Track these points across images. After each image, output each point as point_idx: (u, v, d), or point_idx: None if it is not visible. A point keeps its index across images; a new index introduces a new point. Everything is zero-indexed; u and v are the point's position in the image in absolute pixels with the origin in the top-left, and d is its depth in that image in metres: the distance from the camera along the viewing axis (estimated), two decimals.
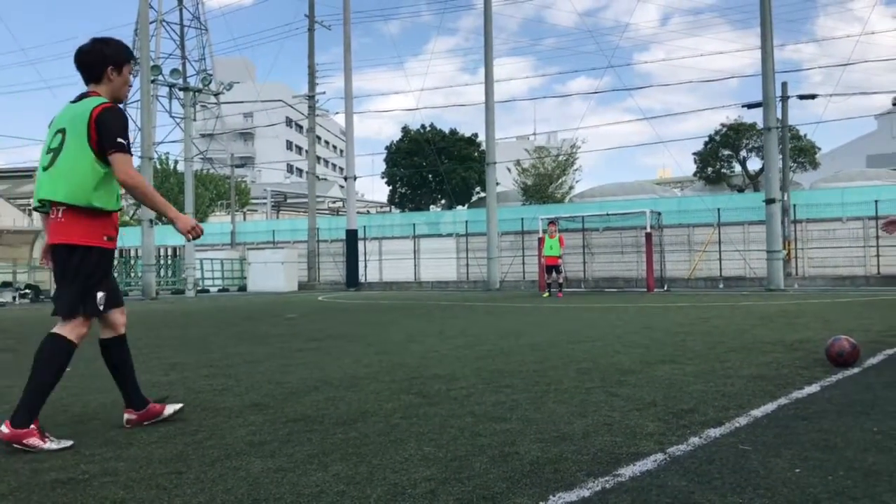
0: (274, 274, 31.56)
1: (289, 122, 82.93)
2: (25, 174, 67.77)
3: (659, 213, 26.15)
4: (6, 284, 25.27)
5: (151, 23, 39.30)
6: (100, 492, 2.63)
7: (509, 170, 43.47)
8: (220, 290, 32.59)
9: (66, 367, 3.50)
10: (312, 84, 34.94)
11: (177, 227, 3.66)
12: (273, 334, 9.26)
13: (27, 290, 23.98)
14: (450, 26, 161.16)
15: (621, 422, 3.57)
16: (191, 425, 3.72)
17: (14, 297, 23.12)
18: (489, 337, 8.13)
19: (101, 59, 3.63)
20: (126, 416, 3.77)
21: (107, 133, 3.43)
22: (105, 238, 3.54)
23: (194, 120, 30.97)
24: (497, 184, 29.27)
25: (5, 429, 3.26)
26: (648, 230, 23.83)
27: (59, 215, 3.47)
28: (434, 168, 35.99)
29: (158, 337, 9.25)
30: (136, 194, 3.52)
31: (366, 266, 32.44)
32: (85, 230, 3.47)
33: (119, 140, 3.44)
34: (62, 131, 3.52)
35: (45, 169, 3.55)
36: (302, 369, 5.77)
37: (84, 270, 3.48)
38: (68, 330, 3.49)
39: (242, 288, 33.41)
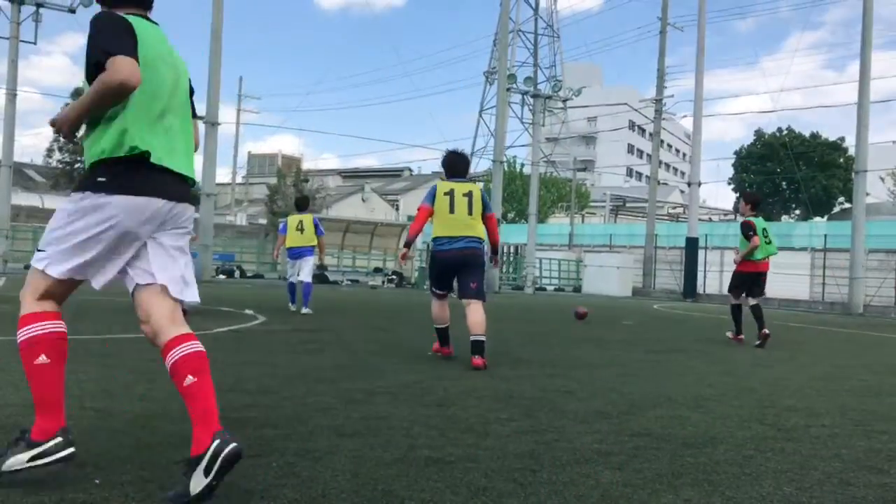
0: (609, 277, 31.67)
1: (632, 125, 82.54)
2: (395, 173, 76.82)
3: None
4: (377, 270, 28.98)
5: (509, 33, 41.82)
6: (465, 476, 2.88)
7: (882, 179, 38.24)
8: (555, 290, 33.64)
9: None
10: (661, 87, 34.28)
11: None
12: (610, 340, 9.30)
13: (393, 276, 27.16)
14: (815, 20, 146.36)
15: None
16: (540, 424, 3.89)
17: (383, 282, 26.37)
18: (854, 370, 7.24)
19: None
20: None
21: None
22: None
23: (542, 125, 32.29)
24: (867, 194, 25.92)
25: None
26: None
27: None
28: (790, 174, 33.08)
29: (503, 330, 9.85)
30: None
31: (705, 276, 31.00)
32: None
33: None
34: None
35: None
36: (643, 382, 5.71)
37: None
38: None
39: (577, 289, 34.09)
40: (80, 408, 3.69)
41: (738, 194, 37.41)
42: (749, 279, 9.47)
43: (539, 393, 4.88)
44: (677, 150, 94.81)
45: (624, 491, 2.78)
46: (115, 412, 3.66)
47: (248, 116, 57.79)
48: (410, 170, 78.89)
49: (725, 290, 10.83)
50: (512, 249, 39.46)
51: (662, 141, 43.53)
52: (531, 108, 31.96)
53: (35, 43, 22.49)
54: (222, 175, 45.55)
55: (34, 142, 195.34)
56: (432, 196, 6.34)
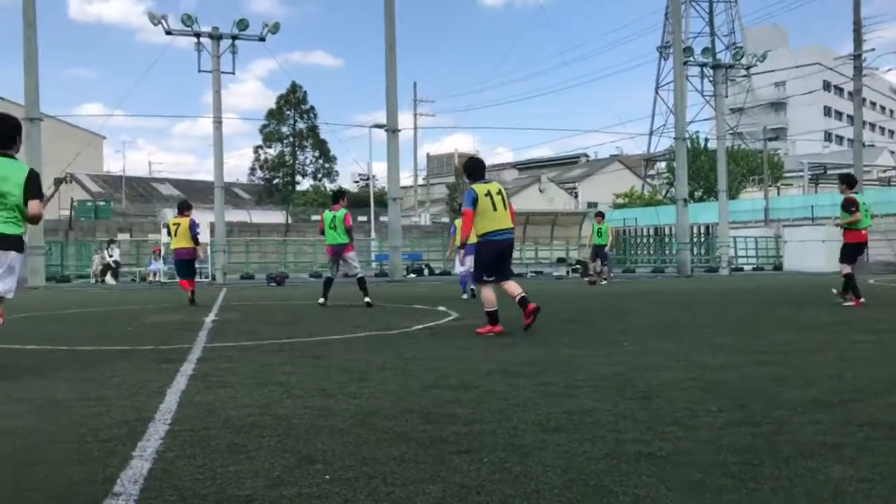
0: (813, 253, 29.30)
1: (826, 86, 75.74)
2: (571, 161, 75.92)
3: None
4: (560, 260, 28.81)
5: (681, 4, 39.90)
6: (678, 471, 2.79)
7: None
8: (754, 269, 31.70)
9: None
10: (858, 41, 31.19)
11: None
12: (823, 321, 8.61)
13: (577, 266, 26.87)
14: None
15: None
16: (754, 415, 3.69)
17: (567, 272, 26.17)
18: None
19: None
20: None
21: None
22: None
23: (725, 97, 30.52)
24: None
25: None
26: None
27: None
28: None
29: (698, 315, 9.44)
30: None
31: None
32: None
33: None
34: None
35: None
36: (866, 366, 5.24)
37: None
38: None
39: (778, 267, 31.89)
40: (303, 407, 4.00)
41: None
42: (857, 249, 10.96)
43: (748, 382, 4.63)
44: (882, 108, 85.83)
45: (860, 487, 2.57)
46: (334, 410, 3.93)
47: (424, 120, 59.51)
48: (587, 156, 77.58)
49: None
50: (702, 230, 37.63)
51: (864, 99, 39.58)
52: (711, 79, 30.28)
53: (234, 73, 24.65)
54: (404, 179, 47.38)
55: (238, 162, 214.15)
56: (474, 199, 7.41)
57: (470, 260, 12.16)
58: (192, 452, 3.09)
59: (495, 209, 7.42)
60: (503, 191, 7.62)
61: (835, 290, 11.54)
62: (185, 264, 13.06)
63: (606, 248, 19.48)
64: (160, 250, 24.89)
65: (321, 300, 11.82)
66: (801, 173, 49.64)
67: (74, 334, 7.96)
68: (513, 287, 7.60)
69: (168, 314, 10.71)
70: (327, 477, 2.74)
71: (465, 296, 13.40)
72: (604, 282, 19.05)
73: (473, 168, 7.83)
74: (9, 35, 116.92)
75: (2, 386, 4.75)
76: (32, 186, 5.34)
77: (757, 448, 3.09)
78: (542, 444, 3.18)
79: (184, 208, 13.38)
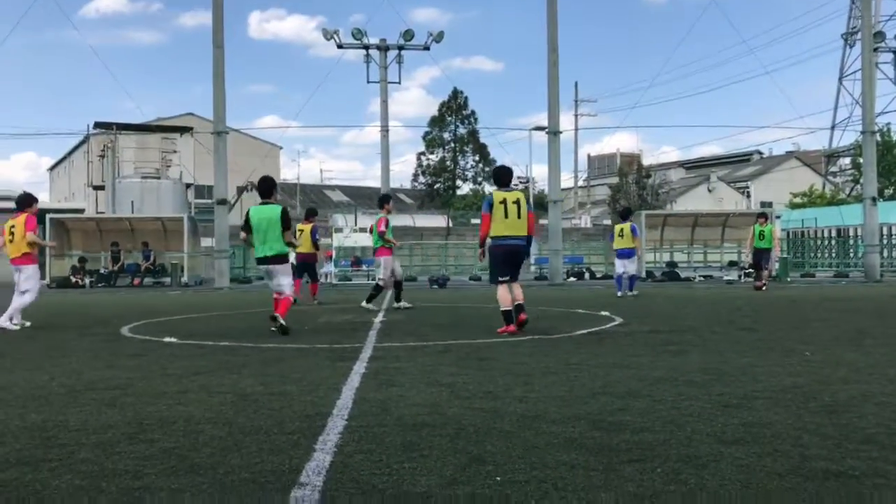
0: None
1: None
2: (743, 158, 71.94)
3: None
4: (732, 264, 27.37)
5: None
6: (873, 492, 2.58)
7: None
8: None
9: None
10: None
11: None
12: None
13: (751, 270, 25.41)
14: None
15: None
16: None
17: (739, 276, 24.80)
18: None
19: None
20: None
21: None
22: None
23: None
24: None
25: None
26: None
27: None
28: None
29: (891, 325, 8.63)
30: None
31: None
32: None
33: None
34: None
35: None
36: None
37: None
38: None
39: None
40: (471, 408, 4.08)
41: None
42: None
43: None
44: None
45: None
46: (502, 412, 3.97)
47: (585, 120, 58.64)
48: (760, 152, 73.12)
49: None
50: (893, 230, 34.38)
51: None
52: None
53: (399, 82, 25.52)
54: (565, 180, 46.85)
55: (401, 168, 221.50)
56: (490, 205, 8.08)
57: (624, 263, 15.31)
58: (368, 448, 3.25)
59: (507, 217, 8.02)
60: (521, 200, 8.15)
61: None
62: (306, 267, 14.21)
63: (774, 253, 18.44)
64: (331, 254, 26.24)
65: (367, 304, 12.19)
66: None
67: (258, 332, 8.57)
68: (517, 291, 8.18)
69: (339, 314, 11.28)
70: (498, 479, 2.79)
71: (619, 293, 15.16)
72: (764, 287, 17.93)
73: (498, 175, 8.52)
74: (197, 56, 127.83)
75: (200, 380, 5.22)
76: (283, 220, 8.39)
77: None
78: (719, 456, 3.05)
79: (310, 214, 14.55)
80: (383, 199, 12.83)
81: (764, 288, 17.63)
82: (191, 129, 36.33)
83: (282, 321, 8.22)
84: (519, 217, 8.07)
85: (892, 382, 4.76)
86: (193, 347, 7.20)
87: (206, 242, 28.81)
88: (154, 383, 5.06)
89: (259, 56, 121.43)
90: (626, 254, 15.41)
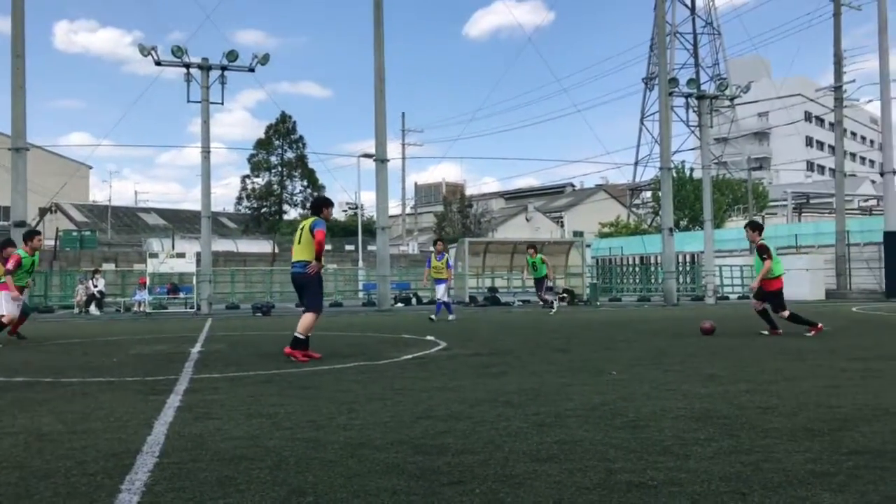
0: (797, 281, 29.44)
1: (808, 116, 76.80)
2: (557, 191, 76.39)
3: None
4: (548, 290, 28.84)
5: (666, 36, 40.57)
6: (670, 501, 2.80)
7: None
8: (739, 298, 31.85)
9: None
10: (839, 73, 31.75)
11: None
12: (808, 349, 8.67)
13: (564, 294, 26.91)
14: None
15: None
16: (743, 444, 3.71)
17: (553, 301, 26.16)
18: None
19: None
20: None
21: None
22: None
23: (710, 126, 30.91)
24: None
25: None
26: None
27: None
28: None
29: (686, 344, 9.47)
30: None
31: None
32: None
33: None
34: None
35: None
36: (852, 394, 5.28)
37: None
38: None
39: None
40: (292, 439, 3.97)
41: None
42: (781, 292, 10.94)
43: (737, 410, 4.65)
44: (863, 138, 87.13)
45: None
46: (325, 441, 3.91)
47: (412, 150, 59.81)
48: (573, 185, 78.13)
49: None
50: (688, 258, 37.86)
51: (846, 130, 40.23)
52: (696, 109, 30.70)
53: (222, 103, 24.67)
54: (392, 208, 47.41)
55: (224, 191, 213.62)
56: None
57: (441, 288, 16.70)
58: (180, 485, 3.07)
59: (299, 242, 8.28)
60: (305, 226, 8.30)
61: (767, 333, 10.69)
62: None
63: (547, 280, 20.35)
64: (145, 281, 24.72)
65: None
66: (785, 202, 50.17)
67: (59, 365, 7.87)
68: (303, 320, 8.14)
69: (153, 345, 10.62)
70: None
71: (432, 317, 16.47)
72: (551, 311, 19.51)
73: (312, 204, 8.83)
74: None
75: None
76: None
77: (746, 477, 3.10)
78: (534, 475, 3.18)
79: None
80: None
81: (551, 312, 18.99)
82: None
83: None
84: (299, 242, 8.29)
85: (685, 397, 5.20)
86: None
87: None
88: None
89: (67, 69, 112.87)
90: (441, 282, 16.87)
